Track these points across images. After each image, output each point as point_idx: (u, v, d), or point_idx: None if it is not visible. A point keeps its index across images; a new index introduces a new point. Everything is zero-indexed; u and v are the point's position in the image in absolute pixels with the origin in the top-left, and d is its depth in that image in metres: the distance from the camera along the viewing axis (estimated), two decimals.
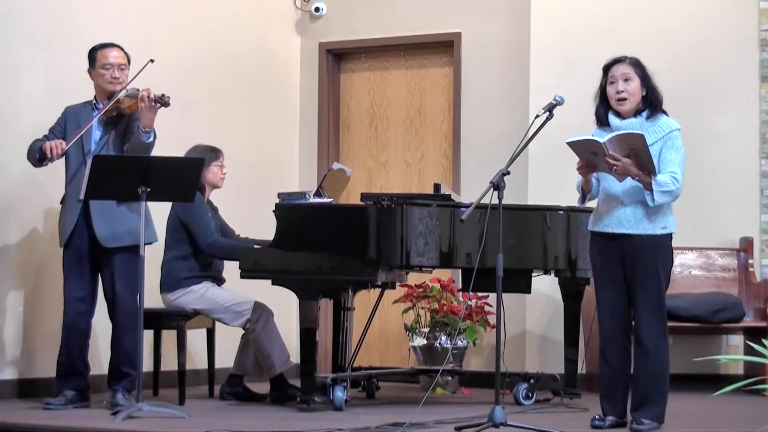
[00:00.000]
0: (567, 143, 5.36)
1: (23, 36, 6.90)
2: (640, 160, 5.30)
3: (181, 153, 6.67)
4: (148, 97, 6.10)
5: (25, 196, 6.84)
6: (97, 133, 6.31)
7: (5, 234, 6.79)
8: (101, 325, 6.47)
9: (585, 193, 5.58)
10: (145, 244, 6.17)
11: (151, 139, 6.18)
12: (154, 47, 6.98)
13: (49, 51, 7.01)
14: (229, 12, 8.39)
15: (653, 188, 5.32)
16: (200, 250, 6.74)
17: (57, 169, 6.41)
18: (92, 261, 6.30)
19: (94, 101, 6.37)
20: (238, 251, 6.50)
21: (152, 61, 6.21)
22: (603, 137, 5.34)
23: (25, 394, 6.74)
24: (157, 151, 6.26)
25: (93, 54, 6.36)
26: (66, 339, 6.29)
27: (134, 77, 6.25)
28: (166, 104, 6.14)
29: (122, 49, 6.37)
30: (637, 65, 5.49)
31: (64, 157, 6.30)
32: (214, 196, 6.99)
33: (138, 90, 6.20)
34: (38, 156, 6.22)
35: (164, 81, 6.48)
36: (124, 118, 6.32)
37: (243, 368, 6.91)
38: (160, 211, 6.61)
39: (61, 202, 6.37)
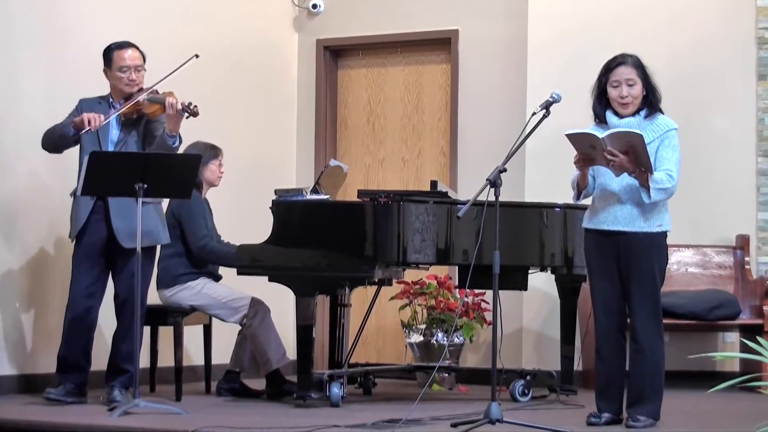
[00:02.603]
0: (566, 135, 5.37)
1: (23, 35, 6.89)
2: (637, 158, 5.31)
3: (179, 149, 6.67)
4: (175, 106, 6.05)
5: (28, 195, 6.84)
6: (114, 133, 6.26)
7: (7, 232, 6.79)
8: (99, 321, 6.46)
9: (580, 189, 5.58)
10: (160, 245, 6.23)
11: (177, 143, 6.16)
12: (152, 44, 6.97)
13: (49, 50, 7.00)
14: (226, 9, 8.39)
15: (649, 185, 5.33)
16: (191, 251, 6.75)
17: (60, 168, 6.43)
18: (104, 258, 6.27)
19: (111, 99, 6.32)
20: (229, 257, 6.52)
21: (197, 56, 6.17)
22: (601, 134, 5.34)
23: (24, 389, 6.75)
24: None
25: (109, 54, 6.29)
26: (69, 334, 6.26)
27: (175, 70, 6.18)
28: (194, 114, 6.09)
29: (138, 48, 6.31)
30: (638, 66, 5.49)
31: (79, 151, 6.25)
32: (210, 195, 7.00)
33: (162, 94, 6.14)
34: (71, 132, 6.09)
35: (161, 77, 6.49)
36: (143, 119, 6.29)
37: (240, 364, 6.92)
38: None
39: (71, 195, 6.29)
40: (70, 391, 6.22)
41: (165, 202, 6.64)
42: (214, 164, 6.92)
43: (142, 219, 5.97)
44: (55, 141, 6.22)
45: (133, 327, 6.04)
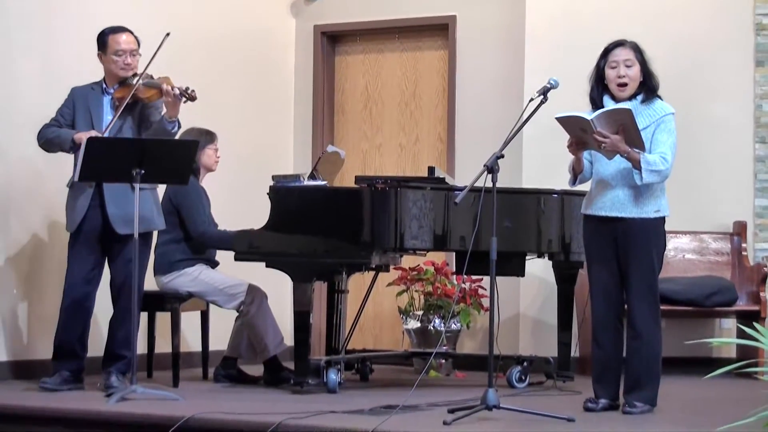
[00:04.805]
0: (556, 119, 5.37)
1: (19, 19, 6.87)
2: (629, 136, 5.30)
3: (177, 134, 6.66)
4: (173, 91, 6.04)
5: (23, 182, 6.83)
6: (108, 119, 6.22)
7: (3, 218, 6.78)
8: (96, 307, 6.46)
9: (576, 173, 5.58)
10: (154, 231, 6.21)
11: (176, 128, 6.16)
12: (149, 30, 6.96)
13: (46, 34, 6.98)
14: None
15: (641, 166, 5.32)
16: (190, 237, 6.75)
17: (55, 154, 6.39)
18: (101, 245, 6.25)
19: (104, 85, 6.30)
20: (228, 241, 6.52)
21: (168, 34, 6.14)
22: (591, 115, 5.33)
23: (20, 375, 6.75)
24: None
25: (103, 38, 6.27)
26: (66, 321, 6.24)
27: (154, 54, 6.14)
28: (192, 98, 6.08)
29: (132, 33, 6.29)
30: (637, 50, 5.49)
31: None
32: (208, 181, 6.99)
33: (158, 79, 6.13)
34: (68, 147, 6.12)
35: (159, 63, 6.47)
36: (138, 104, 6.27)
37: (237, 351, 6.92)
38: None
39: (68, 186, 6.28)
40: (65, 379, 6.22)
41: (161, 189, 6.64)
42: (211, 149, 6.92)
43: (137, 205, 5.98)
44: (52, 147, 6.23)
45: (129, 312, 6.04)
